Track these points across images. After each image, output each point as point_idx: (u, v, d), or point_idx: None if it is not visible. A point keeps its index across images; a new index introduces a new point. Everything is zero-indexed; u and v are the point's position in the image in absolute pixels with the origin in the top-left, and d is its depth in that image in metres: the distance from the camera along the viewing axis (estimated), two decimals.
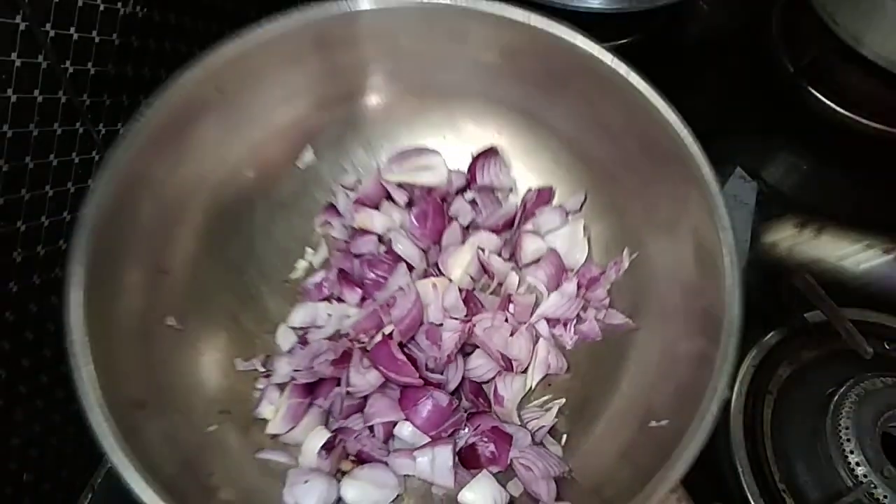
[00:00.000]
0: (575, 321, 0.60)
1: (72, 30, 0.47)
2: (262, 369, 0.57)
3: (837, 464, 0.56)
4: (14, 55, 0.43)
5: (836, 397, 0.58)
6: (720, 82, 0.93)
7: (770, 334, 0.66)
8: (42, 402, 0.53)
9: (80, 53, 0.48)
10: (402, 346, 0.55)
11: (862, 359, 0.60)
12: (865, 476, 0.55)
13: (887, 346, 0.66)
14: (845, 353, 0.64)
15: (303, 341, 0.59)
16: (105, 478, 0.61)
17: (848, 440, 0.56)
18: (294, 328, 0.59)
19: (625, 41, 0.86)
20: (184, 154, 0.54)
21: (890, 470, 0.54)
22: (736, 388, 0.63)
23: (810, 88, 0.86)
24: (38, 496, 0.55)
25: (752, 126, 0.89)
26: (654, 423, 0.48)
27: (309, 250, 0.64)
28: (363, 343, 0.55)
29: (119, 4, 0.50)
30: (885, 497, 0.54)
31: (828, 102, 0.85)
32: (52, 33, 0.45)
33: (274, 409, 0.55)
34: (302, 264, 0.63)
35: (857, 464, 0.55)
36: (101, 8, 0.49)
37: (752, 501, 0.58)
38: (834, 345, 0.66)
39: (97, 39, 0.49)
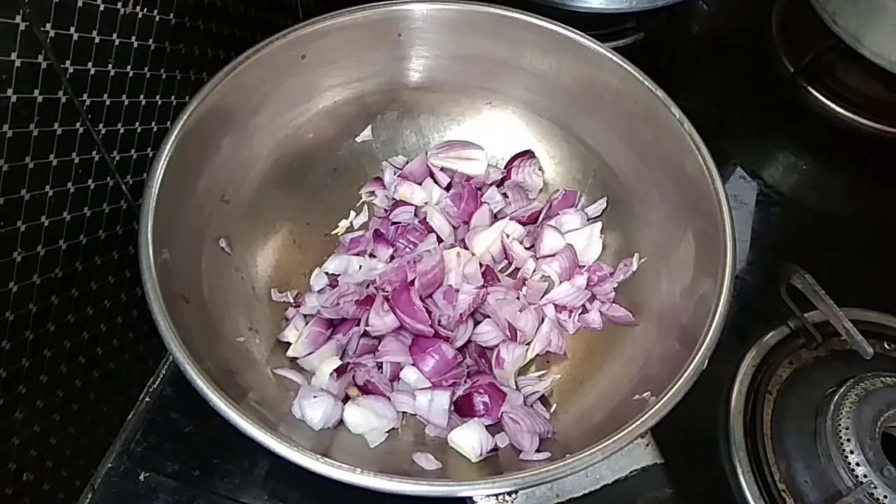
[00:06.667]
0: (580, 310, 0.64)
1: (72, 30, 0.47)
2: (293, 302, 0.63)
3: (837, 464, 0.56)
4: (14, 55, 0.43)
5: (836, 397, 0.58)
6: (720, 82, 0.93)
7: (770, 334, 0.66)
8: (42, 402, 0.53)
9: (79, 53, 0.48)
10: (420, 299, 0.59)
11: (862, 359, 0.60)
12: (865, 476, 0.55)
13: (887, 346, 0.66)
14: (845, 353, 0.64)
15: (332, 284, 0.64)
16: (105, 477, 0.61)
17: (848, 440, 0.56)
18: (327, 273, 0.65)
19: (625, 41, 0.86)
20: (264, 104, 0.62)
21: (890, 470, 0.54)
22: (736, 388, 0.63)
23: (810, 88, 0.86)
24: (38, 496, 0.55)
25: (752, 126, 0.89)
26: (637, 396, 0.51)
27: (352, 213, 0.70)
28: (386, 292, 0.60)
29: (119, 4, 0.50)
30: (885, 497, 0.54)
31: (828, 102, 0.85)
32: (52, 33, 0.45)
33: (297, 335, 0.60)
34: (343, 223, 0.70)
35: (857, 464, 0.55)
36: (101, 8, 0.48)
37: (751, 501, 0.58)
38: (834, 345, 0.66)
39: (97, 39, 0.49)
